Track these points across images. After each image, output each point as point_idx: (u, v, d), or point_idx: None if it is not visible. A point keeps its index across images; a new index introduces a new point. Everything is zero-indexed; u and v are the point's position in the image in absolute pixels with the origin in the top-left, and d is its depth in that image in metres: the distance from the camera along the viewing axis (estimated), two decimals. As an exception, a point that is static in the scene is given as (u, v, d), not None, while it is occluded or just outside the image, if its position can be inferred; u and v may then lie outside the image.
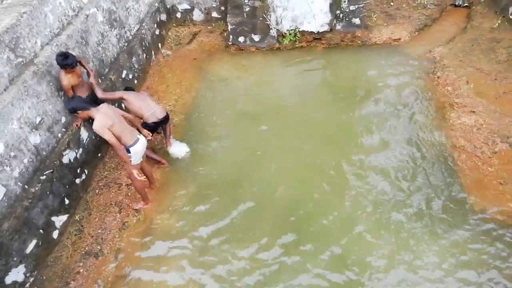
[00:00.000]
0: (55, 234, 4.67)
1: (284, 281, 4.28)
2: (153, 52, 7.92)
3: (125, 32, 6.95)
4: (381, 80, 7.14)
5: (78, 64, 5.00)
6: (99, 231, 4.91)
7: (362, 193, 5.14)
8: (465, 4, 8.98)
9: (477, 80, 6.58)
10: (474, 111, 6.01)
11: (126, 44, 6.93)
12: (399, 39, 8.23)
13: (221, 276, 4.41)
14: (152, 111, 5.49)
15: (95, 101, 5.35)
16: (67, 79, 4.90)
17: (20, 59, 4.56)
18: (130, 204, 5.19)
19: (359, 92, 6.96)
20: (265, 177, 5.50)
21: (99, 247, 4.74)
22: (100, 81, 5.91)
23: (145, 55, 7.52)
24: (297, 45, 8.36)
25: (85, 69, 5.32)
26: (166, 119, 5.69)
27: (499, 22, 7.65)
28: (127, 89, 5.73)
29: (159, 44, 8.30)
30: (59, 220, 4.75)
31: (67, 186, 4.96)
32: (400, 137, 5.90)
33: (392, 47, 8.10)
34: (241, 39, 8.41)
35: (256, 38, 8.38)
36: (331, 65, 7.83)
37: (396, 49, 8.02)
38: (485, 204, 4.79)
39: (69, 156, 5.06)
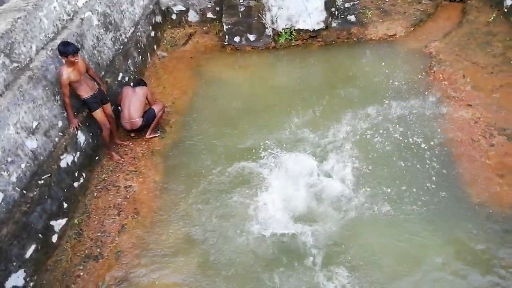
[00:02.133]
0: (54, 238, 4.67)
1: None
2: (148, 54, 7.93)
3: (120, 35, 6.96)
4: (378, 76, 7.13)
5: (79, 57, 5.00)
6: (99, 234, 4.91)
7: (359, 185, 5.16)
8: (460, -1, 8.97)
9: (473, 74, 6.58)
10: (471, 105, 6.01)
11: (121, 47, 6.93)
12: (395, 35, 8.23)
13: (223, 278, 4.40)
14: (125, 122, 6.07)
15: (101, 100, 5.51)
16: (67, 73, 4.89)
17: (15, 64, 4.55)
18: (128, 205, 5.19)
19: (356, 89, 6.95)
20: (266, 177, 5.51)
21: (99, 250, 4.74)
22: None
23: (140, 57, 7.52)
24: (293, 44, 8.36)
25: (95, 80, 5.56)
26: (139, 129, 6.16)
27: (494, 15, 7.64)
28: (137, 82, 6.36)
29: (155, 46, 8.31)
30: (58, 224, 4.75)
31: (65, 190, 4.96)
32: (397, 132, 5.89)
33: (388, 43, 8.10)
34: (236, 39, 8.42)
35: (252, 37, 8.38)
36: (327, 63, 7.83)
37: (392, 45, 8.02)
38: (484, 196, 4.77)
39: (66, 160, 5.06)
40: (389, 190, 5.06)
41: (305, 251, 4.51)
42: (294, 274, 4.32)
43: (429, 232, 4.54)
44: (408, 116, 6.15)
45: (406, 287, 4.07)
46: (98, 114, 5.46)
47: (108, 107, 5.69)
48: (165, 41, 8.72)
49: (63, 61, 4.96)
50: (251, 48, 8.42)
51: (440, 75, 6.78)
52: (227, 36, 8.42)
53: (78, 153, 5.32)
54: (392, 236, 4.57)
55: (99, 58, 6.17)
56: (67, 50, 4.83)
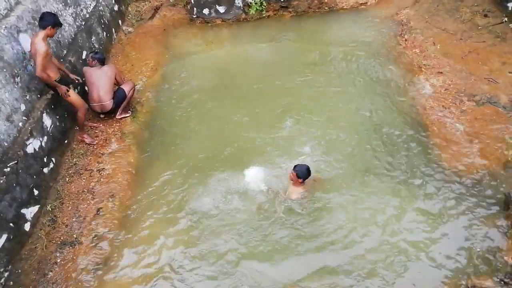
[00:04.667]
0: (27, 226, 4.51)
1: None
2: (113, 30, 7.55)
3: (81, 10, 6.56)
4: (350, 45, 7.11)
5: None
6: (74, 219, 4.78)
7: (337, 151, 5.24)
8: (429, -36, 8.93)
9: (443, 41, 6.65)
10: (441, 72, 6.10)
11: (83, 23, 6.55)
12: (366, 2, 8.17)
13: (205, 257, 4.38)
14: (95, 104, 5.77)
15: (66, 83, 5.25)
16: (45, 46, 4.68)
17: (-34, 45, 4.23)
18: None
19: (328, 59, 6.91)
20: (239, 151, 5.45)
21: (75, 236, 4.62)
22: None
23: (105, 33, 7.15)
24: (264, 15, 8.17)
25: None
26: (110, 111, 5.90)
27: (462, -20, 7.67)
28: (97, 56, 5.81)
29: (120, 21, 7.91)
30: (29, 212, 4.57)
31: (34, 177, 4.75)
32: (370, 101, 5.94)
33: (359, 11, 8.04)
34: (205, 11, 8.13)
35: (221, 9, 8.11)
36: (299, 33, 7.71)
37: (363, 13, 7.96)
38: (455, 161, 4.91)
39: (33, 145, 4.82)
40: (361, 155, 5.17)
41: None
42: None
43: (401, 195, 4.67)
44: (379, 85, 6.19)
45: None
46: (73, 95, 5.22)
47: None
48: (130, 15, 8.32)
49: (41, 33, 4.73)
50: (221, 20, 8.17)
51: (411, 43, 6.81)
52: (195, 9, 8.12)
53: (46, 137, 5.08)
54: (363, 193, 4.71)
55: (60, 35, 5.81)
56: (55, 19, 4.80)
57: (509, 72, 5.77)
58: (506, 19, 6.54)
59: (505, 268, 3.86)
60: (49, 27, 4.76)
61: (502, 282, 3.74)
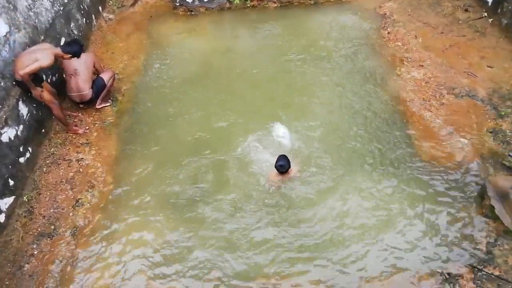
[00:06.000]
0: (1, 218, 4.38)
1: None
2: (93, 16, 7.34)
3: (60, -5, 6.34)
4: (333, 37, 7.11)
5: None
6: (51, 210, 4.67)
7: (315, 141, 5.29)
8: (412, -42, 8.97)
9: (425, 34, 6.72)
10: (422, 65, 6.17)
11: (61, 8, 6.33)
12: (350, -5, 8.15)
13: (187, 248, 4.37)
14: (74, 94, 5.63)
15: (39, 81, 5.09)
16: (50, 61, 4.80)
17: None
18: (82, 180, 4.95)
19: (310, 50, 6.89)
20: (223, 139, 5.43)
21: (52, 227, 4.52)
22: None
23: (84, 19, 6.94)
24: (248, 5, 8.07)
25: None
26: (89, 100, 5.75)
27: (444, -25, 7.75)
28: (74, 44, 5.31)
29: (100, 7, 7.69)
30: (4, 203, 4.44)
31: (10, 166, 4.61)
32: (351, 92, 5.97)
33: (344, 3, 8.02)
34: (189, -1, 7.98)
35: (205, -3, 7.98)
36: (283, 24, 7.65)
37: (347, 5, 7.95)
38: (433, 152, 5.00)
39: (8, 134, 4.67)
40: (342, 148, 5.21)
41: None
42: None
43: (379, 187, 4.72)
44: (361, 77, 6.22)
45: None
46: (46, 95, 5.04)
47: (46, 84, 5.23)
48: (111, 1, 8.09)
49: (58, 50, 5.00)
50: (205, 9, 8.04)
51: (394, 36, 6.86)
52: (178, -4, 7.96)
53: (22, 126, 4.92)
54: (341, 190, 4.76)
55: (37, 20, 5.60)
56: (75, 51, 5.08)
57: (488, 66, 5.89)
58: (485, 14, 6.66)
59: (480, 256, 3.98)
60: (68, 54, 5.05)
61: (476, 269, 3.86)
